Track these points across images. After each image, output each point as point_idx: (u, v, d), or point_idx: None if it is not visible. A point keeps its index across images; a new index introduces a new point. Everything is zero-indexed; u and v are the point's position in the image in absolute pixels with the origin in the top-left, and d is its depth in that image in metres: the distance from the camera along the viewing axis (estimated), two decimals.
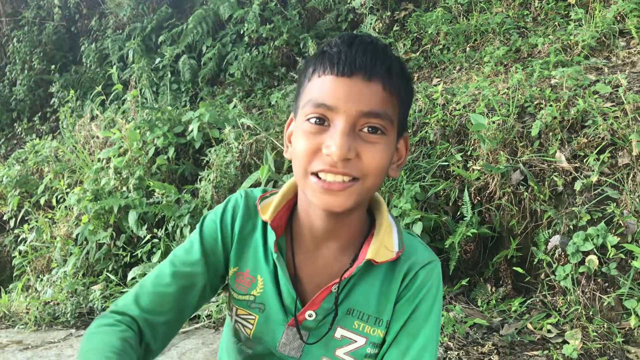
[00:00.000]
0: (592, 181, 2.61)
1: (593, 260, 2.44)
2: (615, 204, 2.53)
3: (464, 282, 2.82)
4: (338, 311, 1.03)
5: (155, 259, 3.50)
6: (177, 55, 6.28)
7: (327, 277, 1.05)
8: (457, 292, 2.85)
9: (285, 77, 5.64)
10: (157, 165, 4.04)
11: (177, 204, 3.68)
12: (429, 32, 4.81)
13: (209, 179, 3.67)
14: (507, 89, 3.23)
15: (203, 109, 4.10)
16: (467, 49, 4.51)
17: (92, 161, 4.63)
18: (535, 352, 2.31)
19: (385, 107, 0.91)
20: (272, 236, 1.04)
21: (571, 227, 2.59)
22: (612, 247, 2.42)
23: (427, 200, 3.02)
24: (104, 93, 5.70)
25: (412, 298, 1.03)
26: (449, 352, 2.32)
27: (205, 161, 3.96)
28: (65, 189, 4.62)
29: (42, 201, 4.91)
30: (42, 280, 4.06)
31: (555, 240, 2.58)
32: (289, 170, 3.49)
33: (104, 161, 4.38)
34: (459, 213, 2.93)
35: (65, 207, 4.46)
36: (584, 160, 2.71)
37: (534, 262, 2.71)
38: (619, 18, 3.92)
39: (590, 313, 2.45)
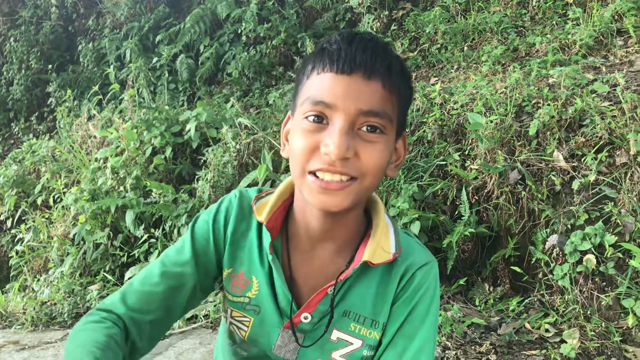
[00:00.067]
0: (589, 180, 2.61)
1: (591, 259, 2.44)
2: (612, 203, 2.53)
3: (461, 282, 2.82)
4: (334, 313, 1.02)
5: (152, 258, 3.49)
6: (175, 55, 6.26)
7: (323, 278, 1.03)
8: (455, 292, 2.85)
9: (283, 77, 5.63)
10: (155, 164, 4.03)
11: (175, 204, 3.67)
12: (427, 31, 4.80)
13: (207, 179, 3.66)
14: (505, 88, 3.23)
15: (200, 108, 4.09)
16: (465, 48, 4.51)
17: (89, 161, 4.62)
18: (533, 352, 2.30)
19: (384, 105, 0.90)
20: (267, 237, 1.03)
21: (569, 226, 2.59)
22: (609, 246, 2.42)
23: (425, 199, 3.02)
24: (101, 93, 5.69)
25: (409, 299, 1.02)
26: (446, 352, 2.32)
27: (202, 161, 3.95)
28: (63, 188, 4.61)
29: (39, 201, 4.90)
30: (39, 280, 4.05)
31: (553, 239, 2.58)
32: (287, 169, 3.48)
33: (101, 161, 4.37)
34: (456, 212, 2.93)
35: (63, 207, 4.44)
36: (582, 160, 2.71)
37: (532, 262, 2.71)
38: (616, 17, 3.92)
39: (588, 312, 2.45)
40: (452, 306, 2.63)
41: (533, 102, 3.05)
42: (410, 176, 3.14)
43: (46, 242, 4.36)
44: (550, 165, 2.76)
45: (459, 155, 3.07)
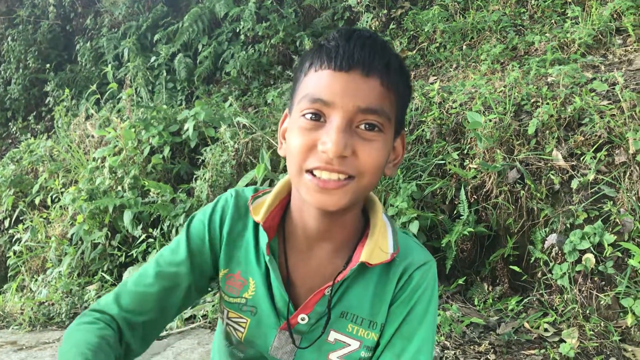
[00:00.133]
0: (588, 179, 2.61)
1: (590, 258, 2.43)
2: (612, 202, 2.53)
3: (460, 281, 2.81)
4: (331, 314, 1.01)
5: (150, 258, 3.47)
6: (173, 54, 6.26)
7: (321, 279, 1.02)
8: (454, 291, 2.84)
9: (281, 76, 5.63)
10: (153, 164, 4.02)
11: (173, 204, 3.66)
12: (426, 30, 4.80)
13: (205, 178, 3.65)
14: (504, 87, 3.23)
15: (199, 107, 4.08)
16: (464, 47, 4.50)
17: (87, 160, 4.61)
18: (532, 351, 2.30)
19: (382, 103, 0.88)
20: (264, 237, 1.02)
21: (568, 225, 2.59)
22: (608, 245, 2.41)
23: (424, 199, 3.01)
24: (99, 92, 5.67)
25: (407, 300, 1.01)
26: (445, 352, 2.31)
27: (200, 160, 3.94)
28: (60, 188, 4.60)
29: (37, 201, 4.89)
30: (36, 280, 4.04)
31: (552, 238, 2.57)
32: (285, 169, 3.47)
33: (99, 160, 4.35)
34: (455, 212, 2.93)
35: (60, 206, 4.43)
36: (581, 159, 2.71)
37: (531, 261, 2.70)
38: (615, 16, 3.92)
39: (587, 312, 2.44)
40: (451, 306, 2.62)
41: (532, 101, 3.05)
42: (409, 175, 3.13)
43: (44, 242, 4.35)
44: (549, 164, 2.76)
45: (458, 155, 3.06)
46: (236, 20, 6.03)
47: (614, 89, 2.89)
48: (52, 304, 3.45)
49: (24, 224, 4.64)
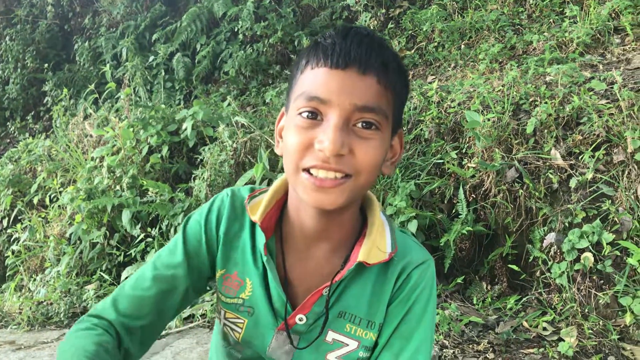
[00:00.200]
0: (587, 178, 2.61)
1: (588, 257, 2.44)
2: (610, 201, 2.53)
3: (459, 280, 2.81)
4: (329, 314, 1.00)
5: (149, 258, 3.47)
6: (171, 53, 6.25)
7: (318, 279, 1.02)
8: (453, 290, 2.85)
9: (279, 75, 5.62)
10: (151, 163, 4.01)
11: (171, 203, 3.66)
12: (424, 29, 4.80)
13: (203, 178, 3.64)
14: (502, 86, 3.23)
15: (197, 107, 4.07)
16: (462, 46, 4.50)
17: (86, 160, 4.60)
18: (531, 350, 2.30)
19: (380, 101, 0.88)
20: (261, 237, 1.01)
21: (566, 224, 2.59)
22: (607, 244, 2.42)
23: (422, 198, 3.01)
24: (98, 91, 5.66)
25: (405, 299, 1.00)
26: (444, 350, 2.31)
27: (199, 160, 3.93)
28: (59, 188, 4.59)
29: (35, 200, 4.88)
30: (35, 280, 4.03)
31: (551, 237, 2.58)
32: (284, 168, 3.46)
33: (97, 160, 4.35)
34: (454, 211, 2.93)
35: (59, 206, 4.43)
36: (579, 158, 2.71)
37: (530, 260, 2.70)
38: (613, 15, 3.92)
39: (586, 310, 2.44)
40: (450, 305, 2.62)
41: (530, 100, 3.05)
42: (407, 174, 3.13)
43: (42, 241, 4.35)
44: (547, 164, 2.76)
45: (456, 154, 3.06)
46: (234, 20, 6.03)
47: (612, 88, 2.89)
48: (51, 304, 3.45)
49: (22, 224, 4.64)
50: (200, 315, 3.03)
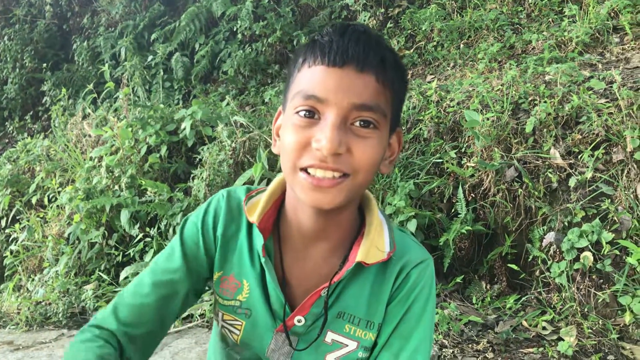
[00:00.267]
0: (586, 177, 2.60)
1: (588, 256, 2.43)
2: (609, 200, 2.53)
3: (458, 280, 2.81)
4: (328, 315, 0.99)
5: (147, 258, 3.47)
6: (170, 53, 6.24)
7: (317, 279, 1.01)
8: (452, 290, 2.84)
9: (278, 75, 5.62)
10: (150, 163, 4.01)
11: (170, 203, 3.65)
12: (423, 28, 4.79)
13: (202, 177, 3.64)
14: (501, 85, 3.22)
15: (196, 106, 4.06)
16: (461, 45, 4.50)
17: (84, 160, 4.59)
18: (531, 349, 2.30)
19: (378, 99, 0.87)
20: (259, 239, 0.99)
21: (566, 223, 2.59)
22: (606, 243, 2.41)
23: (422, 197, 3.01)
24: (96, 91, 5.66)
25: (405, 299, 1.00)
26: (443, 350, 2.31)
27: (198, 159, 3.93)
28: (57, 188, 4.58)
29: (33, 200, 4.87)
30: (33, 280, 4.03)
31: (550, 237, 2.57)
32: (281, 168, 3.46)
33: (96, 160, 4.34)
34: (453, 210, 2.92)
35: (57, 206, 4.42)
36: (579, 157, 2.70)
37: (529, 259, 2.70)
38: (612, 14, 3.92)
39: (585, 310, 2.44)
40: (449, 304, 2.62)
41: (529, 99, 3.05)
42: (406, 174, 3.13)
43: (41, 241, 4.34)
44: (547, 163, 2.76)
45: (456, 153, 3.06)
46: (233, 19, 6.02)
47: (611, 87, 2.89)
48: (49, 304, 3.44)
49: (20, 224, 4.62)
50: (199, 315, 3.02)
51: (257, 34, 5.68)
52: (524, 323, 2.49)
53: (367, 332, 1.00)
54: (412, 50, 4.83)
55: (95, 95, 5.67)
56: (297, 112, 0.87)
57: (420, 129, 3.28)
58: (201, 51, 6.01)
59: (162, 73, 6.13)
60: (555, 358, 2.21)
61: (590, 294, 2.45)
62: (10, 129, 7.81)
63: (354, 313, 1.00)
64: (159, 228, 3.58)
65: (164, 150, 4.07)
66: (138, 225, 3.67)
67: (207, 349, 2.63)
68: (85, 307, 3.39)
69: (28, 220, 4.52)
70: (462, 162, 3.01)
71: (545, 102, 2.89)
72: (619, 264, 2.44)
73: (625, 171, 2.57)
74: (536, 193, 2.72)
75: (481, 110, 3.07)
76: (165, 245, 3.44)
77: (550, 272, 2.56)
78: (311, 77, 0.87)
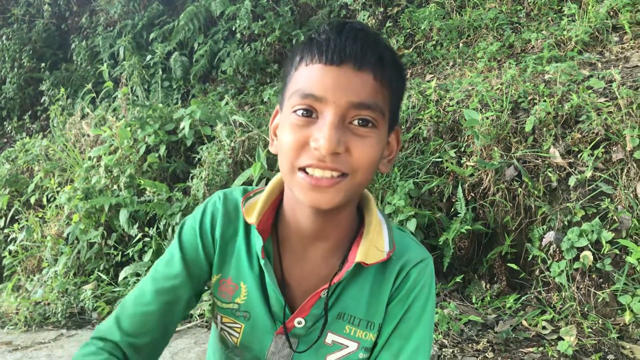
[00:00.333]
0: (586, 177, 2.60)
1: (587, 256, 2.43)
2: (609, 199, 2.53)
3: (458, 279, 2.80)
4: (328, 316, 0.99)
5: (146, 257, 3.46)
6: (169, 53, 6.23)
7: (316, 280, 1.00)
8: (452, 289, 2.84)
9: (277, 74, 5.61)
10: (148, 163, 4.00)
11: (169, 202, 3.64)
12: (422, 28, 4.79)
13: (201, 177, 3.63)
14: (501, 84, 3.22)
15: (195, 106, 4.06)
16: (461, 44, 4.50)
17: (83, 159, 4.59)
18: (530, 349, 2.29)
19: (376, 98, 0.86)
20: (258, 240, 0.98)
21: (565, 223, 2.58)
22: (606, 242, 2.41)
23: (421, 196, 3.00)
24: (95, 91, 5.65)
25: (404, 298, 0.99)
26: (443, 350, 2.31)
27: (197, 159, 3.92)
28: (56, 187, 4.57)
29: (32, 200, 4.86)
30: (32, 280, 4.02)
31: (550, 236, 2.57)
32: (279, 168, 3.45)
33: (95, 159, 4.33)
34: (452, 209, 2.92)
35: (56, 206, 4.41)
36: (578, 156, 2.70)
37: (529, 259, 2.70)
38: (612, 13, 3.92)
39: (585, 309, 2.44)
40: (449, 304, 2.61)
41: (529, 98, 3.04)
42: (406, 173, 3.12)
43: (40, 241, 4.33)
44: (546, 162, 2.75)
45: (455, 152, 3.05)
46: (232, 19, 6.01)
47: (610, 86, 2.88)
48: (48, 304, 3.43)
49: (19, 224, 4.61)
50: (198, 315, 3.02)
51: (256, 33, 5.68)
52: (524, 322, 2.49)
53: (368, 332, 1.00)
54: (411, 50, 4.83)
55: (94, 94, 5.67)
56: (295, 111, 0.86)
57: (420, 128, 3.28)
58: (200, 50, 6.00)
59: (160, 72, 6.12)
60: (555, 357, 2.21)
61: (590, 293, 2.45)
62: (8, 129, 7.80)
63: (354, 314, 1.00)
64: (157, 228, 3.57)
65: (162, 149, 4.06)
66: (137, 225, 3.66)
67: (206, 349, 2.63)
68: (84, 307, 3.38)
69: (27, 220, 4.51)
70: (462, 161, 3.01)
71: (544, 101, 2.89)
72: (619, 263, 2.44)
73: (625, 170, 2.57)
74: (536, 192, 2.71)
75: (481, 110, 3.06)
76: (165, 245, 3.46)
77: (550, 272, 2.56)
78: (308, 76, 0.86)
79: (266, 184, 1.07)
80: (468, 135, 3.06)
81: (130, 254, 3.60)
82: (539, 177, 2.75)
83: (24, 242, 4.40)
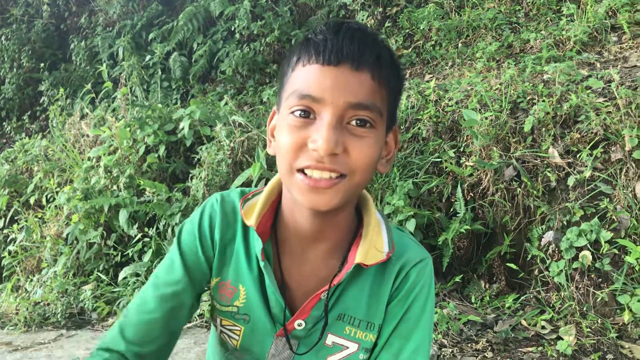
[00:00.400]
0: (585, 177, 2.60)
1: (586, 255, 2.43)
2: (608, 199, 2.53)
3: (457, 279, 2.81)
4: (328, 318, 0.98)
5: (146, 258, 3.46)
6: (168, 53, 6.23)
7: (316, 281, 1.00)
8: (451, 289, 2.84)
9: (276, 74, 5.61)
10: (148, 163, 4.00)
11: (168, 203, 3.64)
12: (421, 28, 4.79)
13: (201, 177, 3.63)
14: (500, 84, 3.22)
15: (194, 106, 4.06)
16: (459, 44, 4.50)
17: (82, 160, 4.58)
18: (530, 349, 2.30)
19: (374, 98, 0.85)
20: (257, 243, 0.98)
21: (564, 222, 2.59)
22: (605, 242, 2.41)
23: (420, 197, 3.01)
24: (94, 91, 5.65)
25: (404, 299, 0.99)
26: (443, 350, 2.31)
27: (196, 159, 3.92)
28: (55, 188, 4.57)
29: (31, 200, 4.86)
30: (32, 280, 4.02)
31: (549, 236, 2.57)
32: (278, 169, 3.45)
33: (94, 160, 4.33)
34: (452, 209, 2.92)
35: (55, 206, 4.41)
36: (577, 156, 2.70)
37: (528, 258, 2.70)
38: (610, 13, 3.92)
39: (584, 309, 2.44)
40: (448, 304, 2.62)
41: (528, 98, 3.05)
42: (405, 173, 3.12)
43: (39, 241, 4.33)
44: (545, 162, 2.76)
45: (454, 152, 3.05)
46: (231, 19, 6.01)
47: (609, 86, 2.89)
48: (48, 304, 3.43)
49: (18, 224, 4.61)
50: (198, 315, 3.02)
51: (255, 33, 5.68)
52: (523, 322, 2.50)
53: (368, 333, 1.00)
54: (410, 50, 4.83)
55: (93, 95, 5.66)
56: (292, 112, 0.86)
57: (419, 129, 3.28)
58: (199, 51, 6.00)
59: (160, 73, 6.11)
60: (555, 357, 2.21)
61: (589, 293, 2.45)
62: (7, 129, 7.80)
63: (354, 315, 0.99)
64: (157, 228, 3.57)
65: (162, 150, 4.06)
66: (136, 225, 3.66)
67: (206, 349, 2.62)
68: (83, 307, 3.38)
69: (26, 221, 4.51)
70: (461, 161, 3.01)
71: (543, 101, 2.89)
72: (618, 263, 2.44)
73: (624, 170, 2.58)
74: (535, 192, 2.72)
75: (480, 110, 3.07)
76: (164, 245, 3.46)
77: (549, 271, 2.56)
78: (306, 76, 0.85)
79: (265, 184, 1.06)
80: (467, 135, 3.07)
81: (130, 254, 3.60)
82: (538, 177, 2.75)
83: (24, 243, 4.39)
